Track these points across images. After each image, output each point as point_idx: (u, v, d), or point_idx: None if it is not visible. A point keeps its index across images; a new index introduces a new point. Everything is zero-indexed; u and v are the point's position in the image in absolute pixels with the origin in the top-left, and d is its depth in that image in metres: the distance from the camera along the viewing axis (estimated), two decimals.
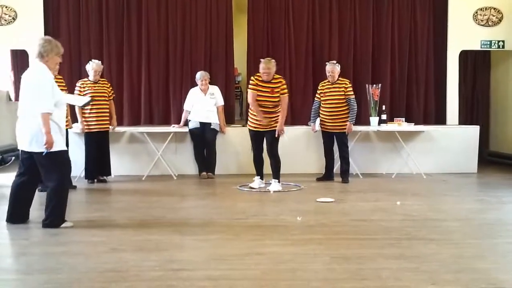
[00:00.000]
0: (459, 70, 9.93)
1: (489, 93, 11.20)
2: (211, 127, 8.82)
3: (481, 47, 9.87)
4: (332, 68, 8.23)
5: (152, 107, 9.67)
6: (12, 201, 5.52)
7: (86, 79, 8.22)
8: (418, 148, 9.25)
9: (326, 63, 8.44)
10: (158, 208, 6.39)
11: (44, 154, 5.22)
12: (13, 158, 10.27)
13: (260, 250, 4.58)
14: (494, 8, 9.75)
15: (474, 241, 4.93)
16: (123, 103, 9.50)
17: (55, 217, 5.33)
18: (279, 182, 7.60)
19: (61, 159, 5.38)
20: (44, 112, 5.16)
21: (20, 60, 11.02)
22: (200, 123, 8.78)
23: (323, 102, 8.31)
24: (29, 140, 5.28)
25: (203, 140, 8.80)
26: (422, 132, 9.25)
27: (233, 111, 9.99)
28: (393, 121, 9.18)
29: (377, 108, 9.08)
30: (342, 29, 9.83)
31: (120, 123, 8.90)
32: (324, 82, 8.38)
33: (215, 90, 9.00)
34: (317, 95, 8.44)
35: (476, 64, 11.23)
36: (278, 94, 7.46)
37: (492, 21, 9.75)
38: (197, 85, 8.96)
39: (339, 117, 8.16)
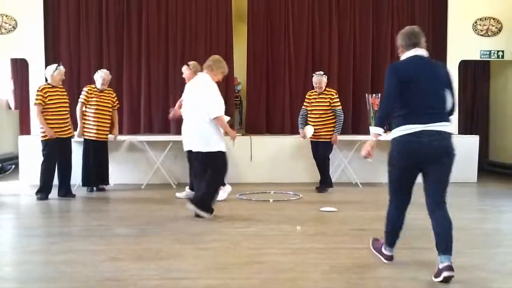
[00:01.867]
0: (458, 80, 9.94)
1: (489, 103, 11.22)
2: None
3: (480, 57, 9.90)
4: (319, 79, 8.25)
5: (151, 116, 9.69)
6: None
7: (93, 86, 8.20)
8: None
9: (313, 74, 8.46)
10: (157, 216, 6.38)
11: (205, 153, 6.12)
12: (13, 166, 10.22)
13: (260, 259, 4.57)
14: (494, 18, 9.78)
15: (473, 251, 4.92)
16: (123, 111, 9.49)
17: (200, 203, 6.14)
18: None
19: (218, 158, 6.16)
20: (219, 116, 6.12)
21: (20, 69, 11.03)
22: None
23: (309, 112, 8.33)
24: (197, 141, 6.18)
25: None
26: None
27: (232, 121, 9.98)
28: None
29: None
30: (341, 39, 9.87)
31: (119, 131, 8.87)
32: (312, 92, 8.41)
33: None
34: (304, 104, 8.46)
35: (476, 74, 11.26)
36: None
37: (491, 31, 9.78)
38: None
39: (325, 127, 8.17)
